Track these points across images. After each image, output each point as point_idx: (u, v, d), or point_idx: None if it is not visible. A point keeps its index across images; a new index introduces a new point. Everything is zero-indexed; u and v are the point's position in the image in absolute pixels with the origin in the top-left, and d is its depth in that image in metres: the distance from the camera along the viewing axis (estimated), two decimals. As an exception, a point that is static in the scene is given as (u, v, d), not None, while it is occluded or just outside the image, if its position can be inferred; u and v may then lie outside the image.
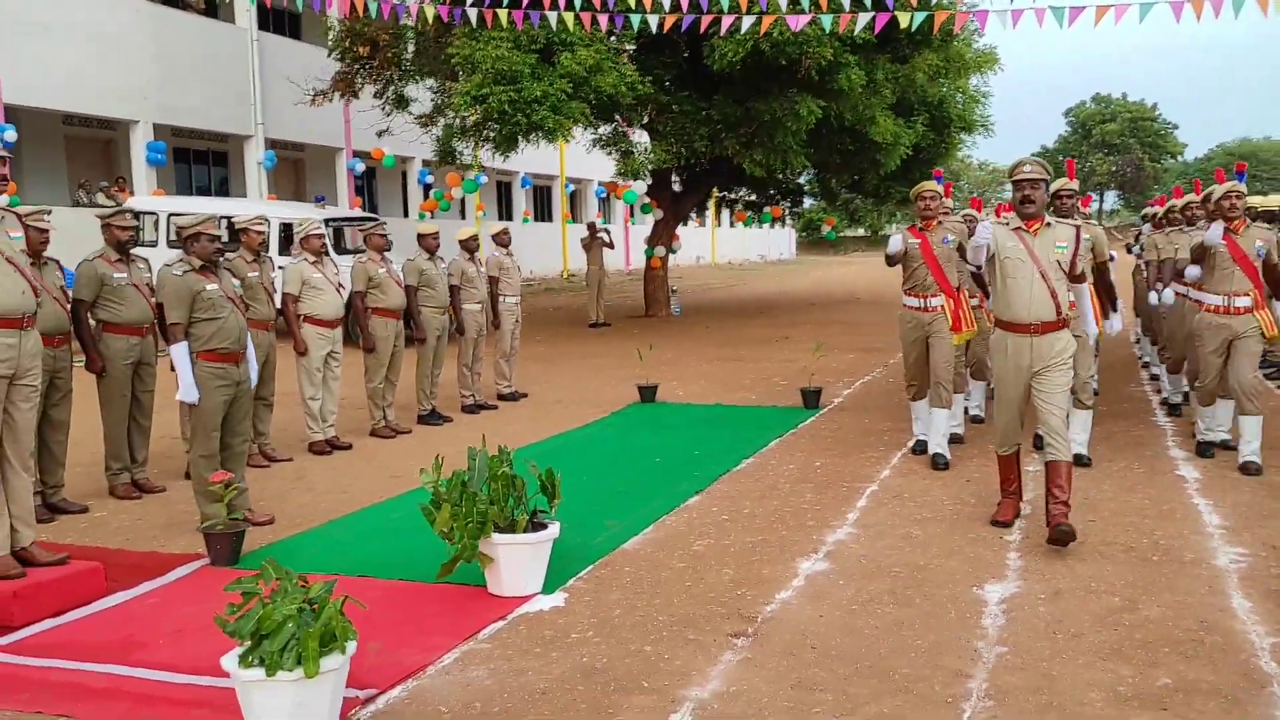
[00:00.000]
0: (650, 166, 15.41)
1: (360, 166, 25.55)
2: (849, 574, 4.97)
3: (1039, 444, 6.51)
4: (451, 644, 4.24)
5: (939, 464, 7.19)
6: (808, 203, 29.19)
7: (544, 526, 4.89)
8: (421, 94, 19.73)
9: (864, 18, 10.66)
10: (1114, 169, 69.19)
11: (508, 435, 8.45)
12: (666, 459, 7.78)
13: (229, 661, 3.44)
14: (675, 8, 10.81)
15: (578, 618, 4.52)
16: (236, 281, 6.24)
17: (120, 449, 6.88)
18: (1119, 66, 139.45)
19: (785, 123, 14.97)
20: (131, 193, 19.98)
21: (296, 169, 28.15)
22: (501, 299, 10.60)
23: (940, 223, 7.33)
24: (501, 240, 10.90)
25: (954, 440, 7.76)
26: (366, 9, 10.88)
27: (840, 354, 13.87)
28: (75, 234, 16.51)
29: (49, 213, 6.35)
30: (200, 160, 25.03)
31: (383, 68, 18.59)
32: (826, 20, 10.99)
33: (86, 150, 22.24)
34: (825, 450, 7.89)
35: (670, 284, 20.37)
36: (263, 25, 23.44)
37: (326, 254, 8.54)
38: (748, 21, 11.27)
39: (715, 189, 21.94)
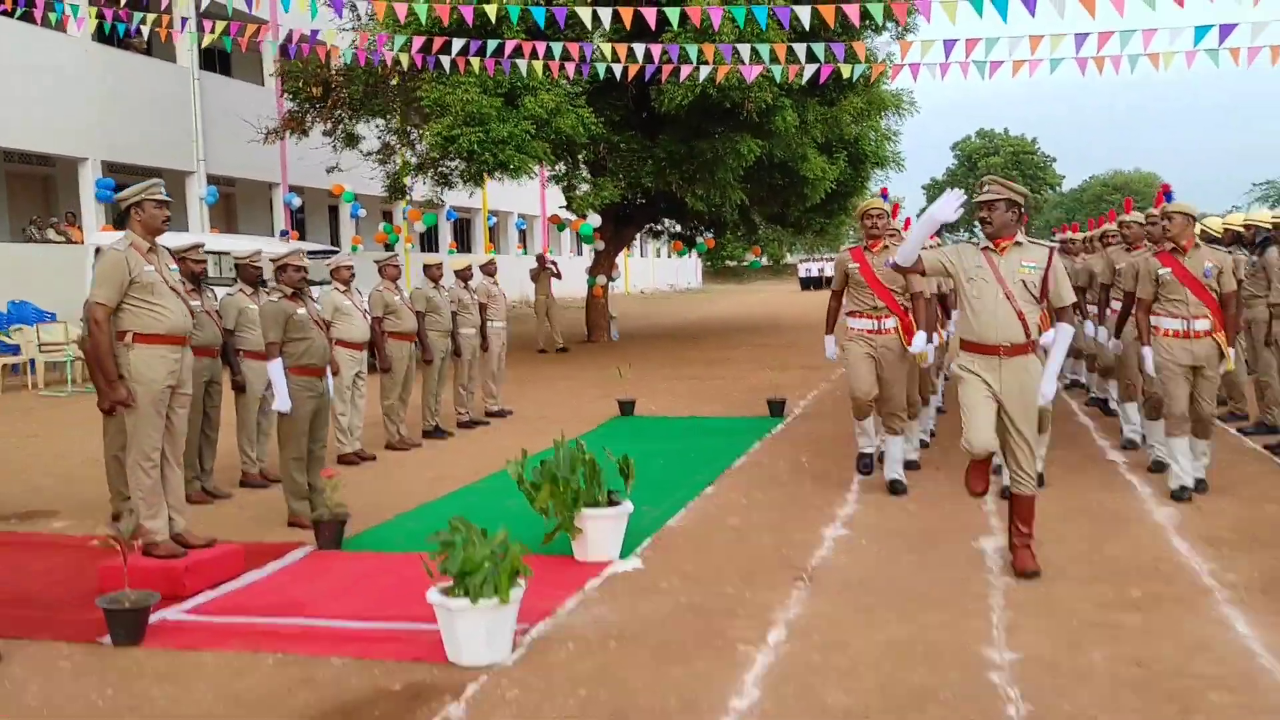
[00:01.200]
0: (602, 202, 16.48)
1: (296, 201, 26.11)
2: (869, 535, 6.10)
3: (997, 471, 6.31)
4: (568, 594, 5.21)
5: (898, 490, 7.10)
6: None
7: (619, 504, 5.90)
8: (369, 132, 20.55)
9: (810, 68, 11.99)
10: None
11: (511, 446, 9.36)
12: (667, 462, 8.81)
13: (434, 595, 4.39)
14: (631, 56, 11.97)
15: (660, 574, 5.53)
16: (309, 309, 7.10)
17: (191, 459, 7.61)
18: (1000, 103, 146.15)
19: (726, 160, 16.26)
20: (80, 229, 20.30)
21: (229, 203, 28.50)
22: (490, 323, 11.53)
23: (886, 245, 7.10)
24: (488, 270, 11.86)
25: (909, 466, 7.69)
26: (318, 55, 11.77)
27: (785, 371, 15.10)
28: (20, 268, 16.88)
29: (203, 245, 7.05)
30: (135, 196, 25.26)
31: (333, 107, 19.34)
32: (777, 70, 12.30)
33: (26, 186, 22.42)
34: (806, 449, 9.03)
35: (609, 311, 21.47)
36: (203, 65, 23.94)
37: (350, 283, 9.39)
38: (704, 70, 12.51)
39: (649, 222, 23.11)
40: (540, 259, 19.08)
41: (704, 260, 66.84)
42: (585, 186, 16.41)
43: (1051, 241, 5.59)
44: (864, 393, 7.19)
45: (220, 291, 9.17)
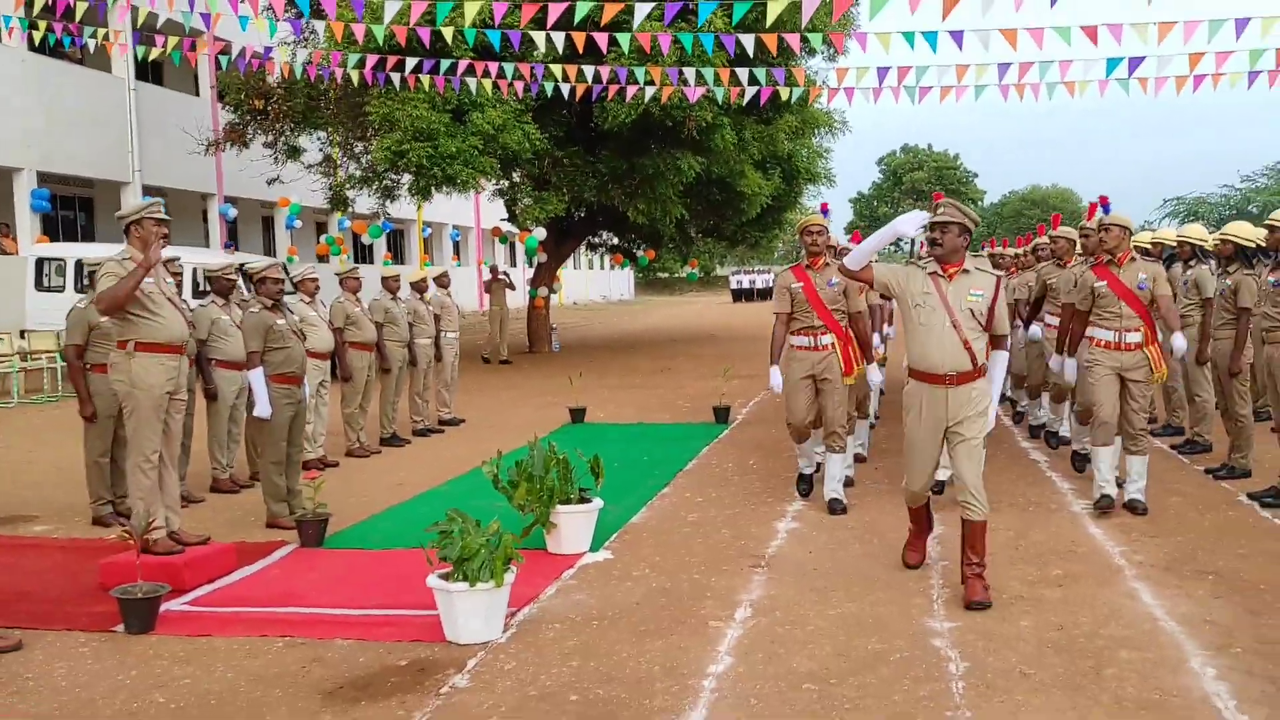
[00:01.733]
0: (547, 215, 16.92)
1: (232, 212, 26.10)
2: (818, 528, 6.64)
3: (940, 490, 6.40)
4: (547, 582, 5.66)
5: (836, 509, 6.96)
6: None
7: (590, 501, 6.36)
8: (310, 144, 20.75)
9: (751, 90, 12.58)
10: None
11: (466, 453, 9.84)
12: (623, 465, 9.28)
13: (434, 580, 4.81)
14: (580, 76, 12.44)
15: (630, 564, 6.01)
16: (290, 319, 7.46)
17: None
18: (923, 119, 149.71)
19: (667, 175, 16.82)
20: (15, 240, 20.16)
21: (162, 214, 28.35)
22: (444, 334, 11.90)
23: (827, 262, 6.99)
24: (442, 282, 12.24)
25: (846, 483, 7.47)
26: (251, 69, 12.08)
27: (727, 380, 15.67)
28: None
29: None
30: (67, 206, 25.07)
31: (275, 120, 19.52)
32: (720, 92, 12.88)
33: (-45, 197, 22.15)
34: (752, 452, 9.58)
35: (550, 322, 21.89)
36: (138, 75, 23.86)
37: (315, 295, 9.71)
38: (649, 90, 13.04)
39: (589, 235, 23.58)
40: (494, 271, 19.45)
41: (637, 272, 67.72)
42: (529, 200, 16.81)
43: (995, 272, 5.33)
44: (800, 419, 7.03)
45: (193, 302, 9.42)
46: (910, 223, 5.04)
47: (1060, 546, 6.05)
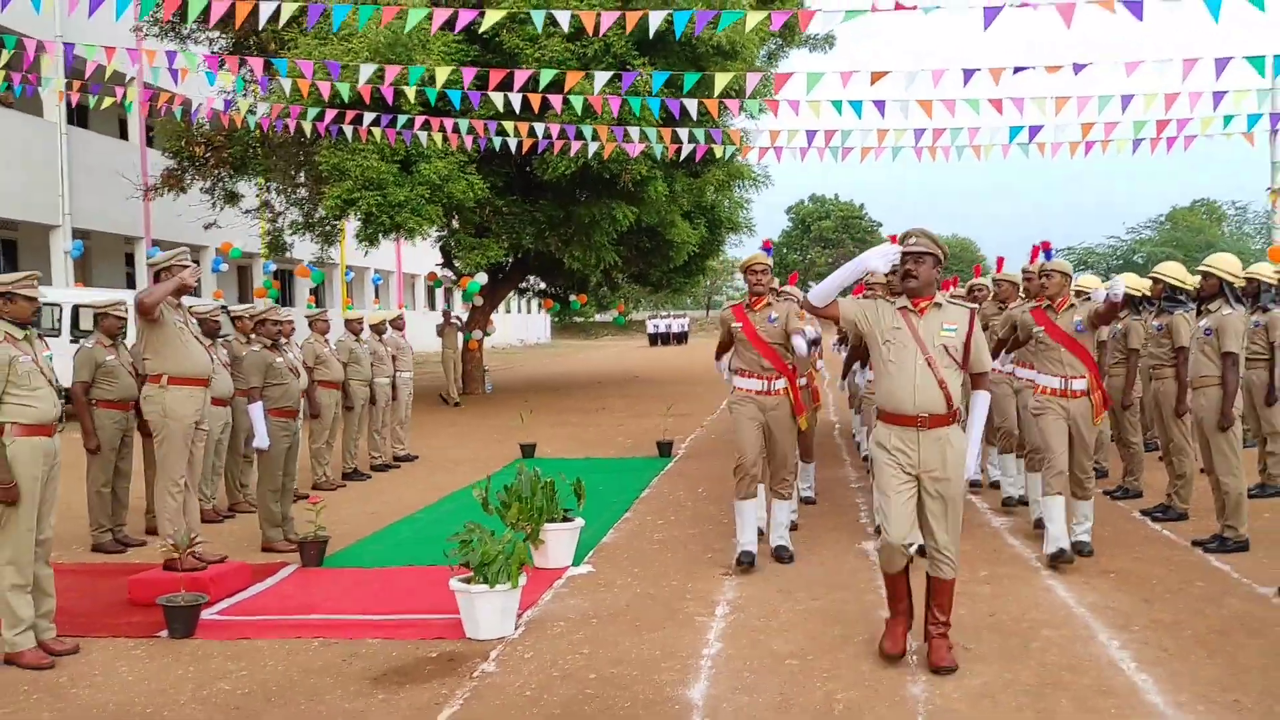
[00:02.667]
0: (488, 261, 17.63)
1: (159, 254, 26.18)
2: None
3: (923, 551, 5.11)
4: (542, 590, 6.35)
5: (783, 557, 6.83)
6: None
7: (572, 520, 7.08)
8: (248, 190, 21.18)
9: (688, 147, 13.55)
10: (830, 261, 76.95)
11: (428, 486, 10.48)
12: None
13: (456, 583, 5.49)
14: (531, 132, 13.28)
15: (611, 575, 6.73)
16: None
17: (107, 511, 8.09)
18: (827, 169, 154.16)
19: (602, 224, 17.69)
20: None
21: (84, 257, 28.27)
22: (399, 374, 12.50)
23: (770, 303, 6.75)
24: (397, 325, 12.86)
25: (790, 528, 7.27)
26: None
27: (660, 419, 16.47)
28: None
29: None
30: (-13, 249, 24.95)
31: (216, 167, 19.93)
32: (659, 149, 13.82)
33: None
34: (700, 481, 10.38)
35: (483, 364, 22.51)
36: (70, 120, 24.00)
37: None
38: (592, 145, 13.92)
39: (521, 280, 24.29)
40: (446, 315, 20.00)
41: (555, 317, 68.53)
42: (471, 247, 17.50)
43: (968, 304, 5.02)
44: (750, 461, 6.68)
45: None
46: (880, 258, 4.72)
47: (985, 553, 6.96)
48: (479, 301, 20.50)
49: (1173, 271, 8.13)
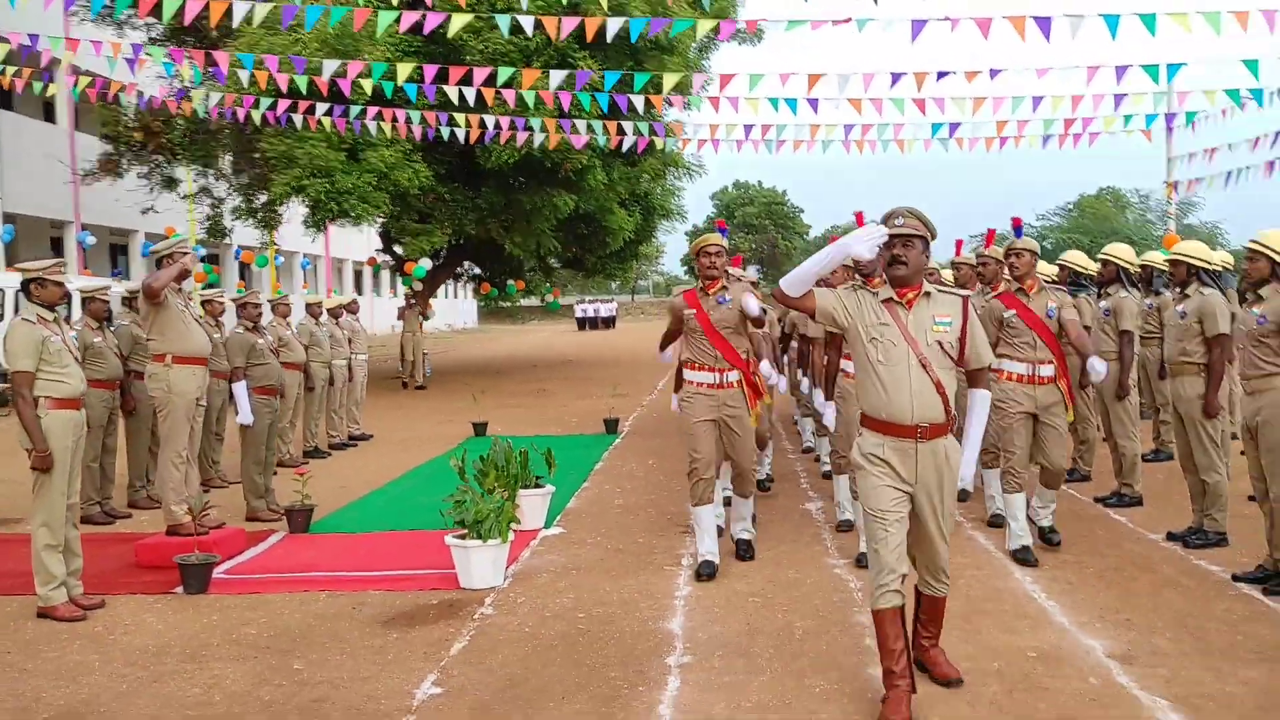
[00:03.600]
0: (433, 247, 18.10)
1: (90, 239, 26.05)
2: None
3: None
4: (520, 549, 6.99)
5: (744, 554, 6.52)
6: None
7: (543, 486, 7.73)
8: (185, 175, 21.29)
9: (630, 139, 14.20)
10: (754, 247, 78.26)
11: (388, 462, 11.04)
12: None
13: (453, 539, 6.11)
14: (482, 123, 13.79)
15: (582, 535, 7.40)
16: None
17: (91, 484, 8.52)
18: (749, 156, 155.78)
19: (543, 211, 18.27)
20: None
21: (12, 241, 27.95)
22: (355, 356, 12.99)
23: (725, 286, 6.22)
24: (352, 309, 13.34)
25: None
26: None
27: (599, 399, 17.17)
28: None
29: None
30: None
31: (155, 152, 20.02)
32: (602, 140, 14.45)
33: None
34: (648, 455, 11.09)
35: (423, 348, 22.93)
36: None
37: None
38: (539, 136, 14.48)
39: (459, 265, 24.72)
40: (408, 299, 20.32)
41: (480, 301, 68.65)
42: (415, 233, 17.95)
43: (959, 291, 4.44)
44: (705, 463, 6.19)
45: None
46: (864, 242, 3.96)
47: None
48: (418, 286, 20.93)
49: (1120, 253, 8.20)
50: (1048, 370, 6.49)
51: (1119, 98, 11.33)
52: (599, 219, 20.09)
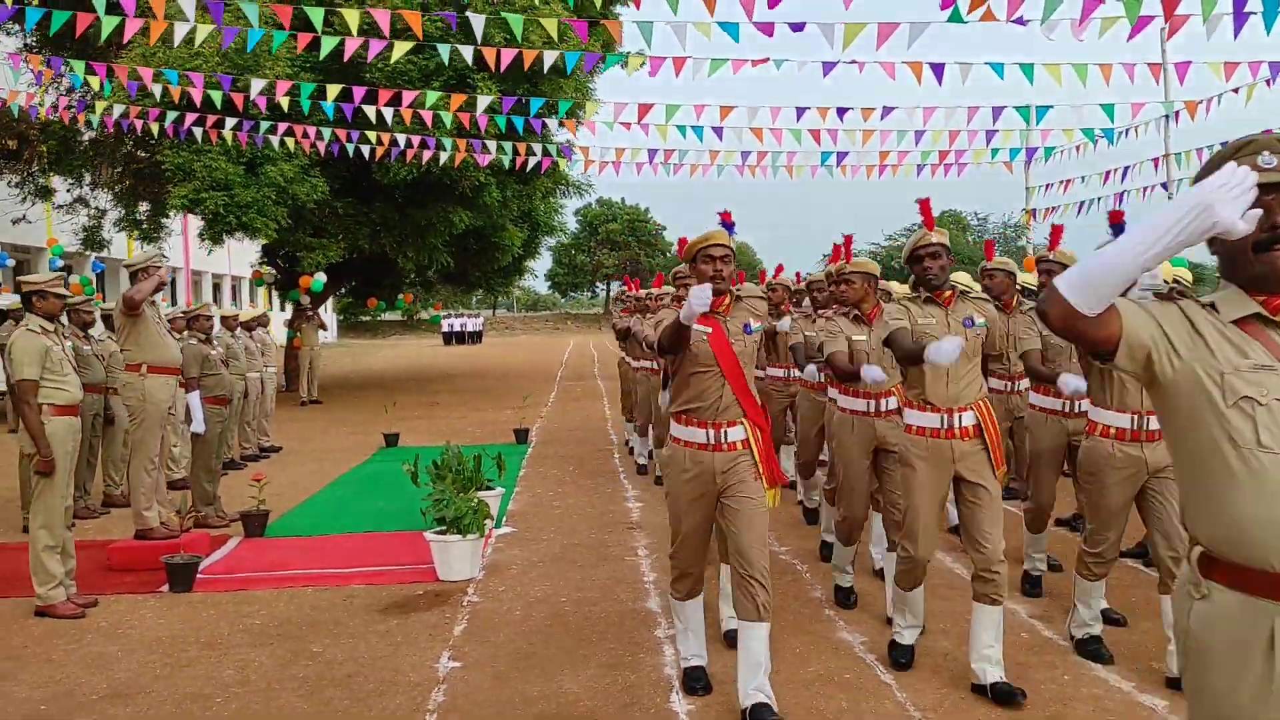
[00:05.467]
0: (328, 261, 18.22)
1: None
2: (656, 501, 8.83)
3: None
4: (484, 544, 7.49)
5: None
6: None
7: (494, 489, 8.23)
8: (60, 186, 20.78)
9: (534, 160, 14.79)
10: (618, 263, 79.47)
11: (312, 470, 11.31)
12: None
13: (431, 535, 6.59)
14: (378, 140, 14.16)
15: (535, 532, 7.94)
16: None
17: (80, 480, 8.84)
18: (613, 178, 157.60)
19: (438, 227, 18.63)
20: None
21: None
22: (265, 369, 13.15)
23: (739, 298, 4.50)
24: (262, 322, 13.47)
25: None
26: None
27: (495, 411, 17.62)
28: None
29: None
30: None
31: (29, 161, 19.52)
32: (506, 159, 14.99)
33: None
34: (564, 462, 11.65)
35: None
36: None
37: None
38: (440, 155, 14.91)
39: (348, 280, 24.68)
40: (303, 311, 20.15)
41: (339, 315, 67.56)
42: (307, 252, 18.05)
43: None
44: (690, 561, 4.56)
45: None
46: (1231, 200, 1.86)
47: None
48: (305, 300, 20.92)
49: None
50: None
51: (990, 133, 12.53)
52: (490, 235, 20.54)
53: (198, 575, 6.76)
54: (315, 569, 6.98)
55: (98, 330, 9.56)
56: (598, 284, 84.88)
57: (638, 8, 7.70)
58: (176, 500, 8.24)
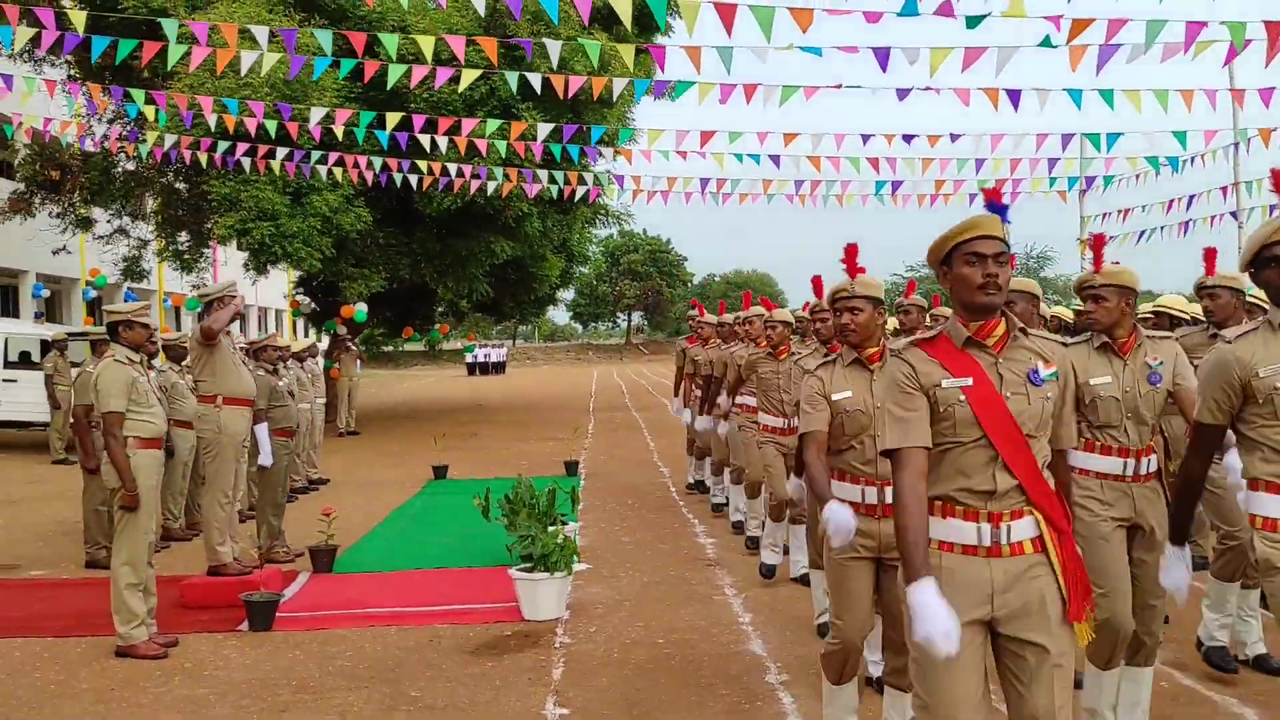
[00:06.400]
0: (371, 291, 18.14)
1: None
2: (726, 536, 8.59)
3: None
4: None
5: None
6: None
7: (567, 524, 8.02)
8: (100, 216, 20.83)
9: (582, 189, 14.69)
10: (639, 294, 79.45)
11: (366, 500, 11.14)
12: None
13: (517, 573, 6.38)
14: (429, 170, 14.08)
15: (610, 569, 7.72)
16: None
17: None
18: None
19: (479, 257, 18.53)
20: None
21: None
22: (315, 401, 13.01)
23: (1022, 332, 2.97)
24: (312, 353, 13.36)
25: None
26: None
27: (536, 443, 17.44)
28: None
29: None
30: None
31: (70, 191, 19.56)
32: (554, 189, 14.89)
33: None
34: (622, 494, 11.43)
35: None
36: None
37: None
38: (491, 185, 14.82)
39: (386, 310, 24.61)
40: (341, 342, 20.04)
41: (359, 346, 67.64)
42: (349, 282, 17.99)
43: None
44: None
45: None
46: None
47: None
48: (342, 331, 20.84)
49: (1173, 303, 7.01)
50: None
51: (1052, 161, 12.35)
52: (529, 265, 20.44)
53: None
54: (394, 607, 6.78)
55: (157, 361, 9.43)
56: (619, 314, 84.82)
57: (690, 34, 7.56)
58: (249, 533, 8.08)
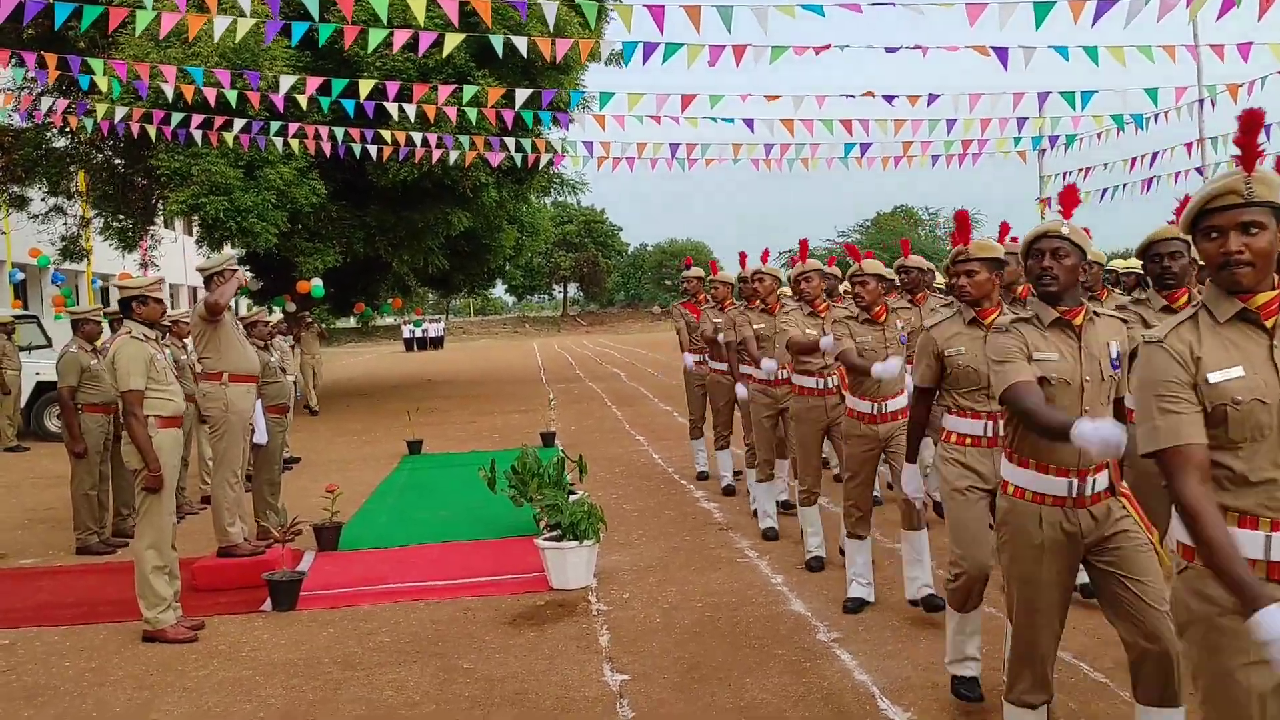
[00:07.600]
0: (326, 266, 17.75)
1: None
2: (726, 502, 8.59)
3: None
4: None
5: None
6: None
7: (575, 493, 7.95)
8: (34, 195, 20.07)
9: (547, 156, 14.49)
10: (575, 264, 79.06)
11: (346, 478, 10.93)
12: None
13: (545, 542, 6.30)
14: (379, 138, 13.78)
15: (625, 537, 7.65)
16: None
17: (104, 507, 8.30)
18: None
19: (435, 229, 18.23)
20: None
21: None
22: (286, 378, 12.72)
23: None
24: (281, 330, 13.04)
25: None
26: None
27: (504, 415, 17.28)
28: None
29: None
30: None
31: (6, 169, 18.81)
32: (518, 157, 14.68)
33: None
34: (610, 464, 11.37)
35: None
36: None
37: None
38: (448, 152, 14.54)
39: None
40: (303, 319, 19.58)
41: (321, 323, 66.37)
42: (305, 257, 17.57)
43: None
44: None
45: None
46: None
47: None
48: (291, 308, 20.40)
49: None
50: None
51: (1021, 121, 12.47)
52: (483, 237, 20.17)
53: (294, 593, 6.44)
54: (416, 581, 6.66)
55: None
56: (555, 286, 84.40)
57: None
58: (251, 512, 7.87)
